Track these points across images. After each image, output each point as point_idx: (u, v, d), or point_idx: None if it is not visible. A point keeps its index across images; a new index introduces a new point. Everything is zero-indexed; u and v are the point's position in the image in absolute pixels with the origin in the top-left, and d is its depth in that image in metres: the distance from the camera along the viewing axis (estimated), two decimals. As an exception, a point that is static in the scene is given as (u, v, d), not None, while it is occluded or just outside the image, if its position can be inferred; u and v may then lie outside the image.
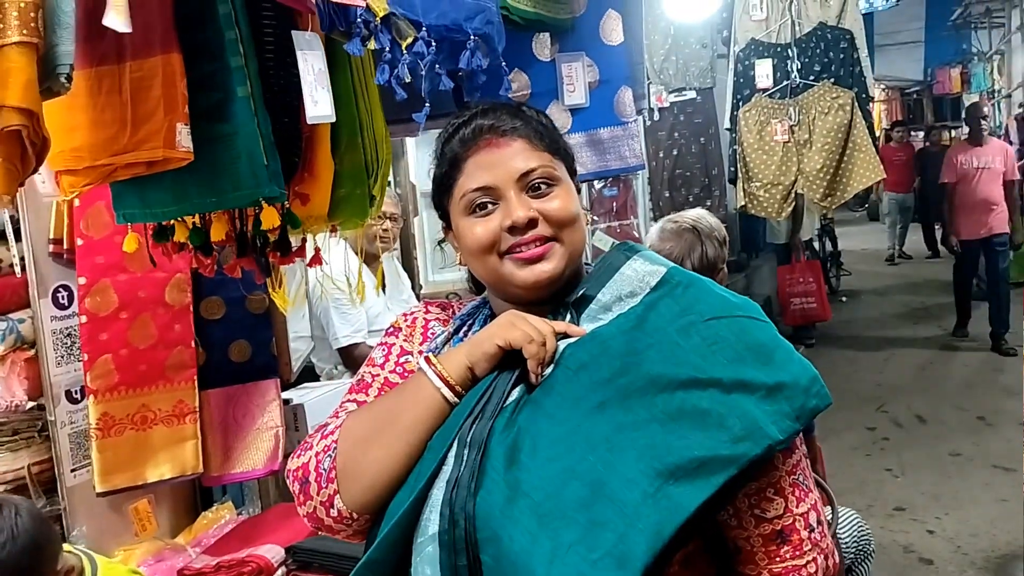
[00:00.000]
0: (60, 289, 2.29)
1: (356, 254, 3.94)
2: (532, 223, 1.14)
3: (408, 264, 4.61)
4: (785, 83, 4.98)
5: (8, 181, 1.34)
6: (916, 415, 5.68)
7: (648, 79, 6.11)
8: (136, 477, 2.34)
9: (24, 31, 1.20)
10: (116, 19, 1.26)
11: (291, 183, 1.86)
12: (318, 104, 1.49)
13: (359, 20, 1.43)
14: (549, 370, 1.06)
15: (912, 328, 8.32)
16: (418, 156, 4.78)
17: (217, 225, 1.75)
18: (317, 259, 2.01)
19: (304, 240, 2.01)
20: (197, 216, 1.81)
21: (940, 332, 7.98)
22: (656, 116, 5.93)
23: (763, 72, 4.92)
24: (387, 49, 1.53)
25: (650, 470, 0.95)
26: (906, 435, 5.32)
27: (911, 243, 12.51)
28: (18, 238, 2.24)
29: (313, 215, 1.94)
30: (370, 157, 1.98)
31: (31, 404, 2.26)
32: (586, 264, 1.26)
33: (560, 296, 1.18)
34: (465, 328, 1.27)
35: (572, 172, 1.25)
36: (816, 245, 9.03)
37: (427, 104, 1.66)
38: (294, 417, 2.80)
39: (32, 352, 2.27)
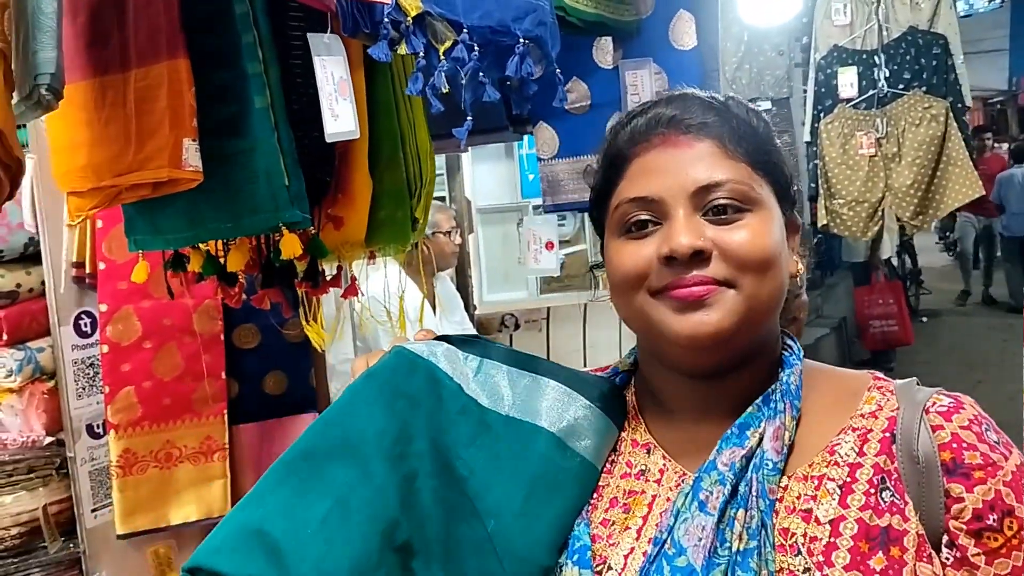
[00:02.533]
0: (82, 316, 2.14)
1: (417, 272, 3.83)
2: (699, 256, 0.82)
3: (463, 283, 4.43)
4: (871, 92, 4.63)
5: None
6: (1009, 449, 5.28)
7: (720, 90, 5.86)
8: (159, 519, 2.17)
9: (-10, 35, 1.01)
10: None
11: (322, 205, 1.67)
12: (339, 119, 1.28)
13: (386, 20, 1.22)
14: None
15: (1000, 352, 7.82)
16: (474, 171, 4.59)
17: (236, 253, 1.56)
18: (352, 290, 1.81)
19: (339, 268, 1.81)
20: (217, 242, 1.63)
21: (1033, 358, 7.48)
22: (729, 128, 5.58)
23: (847, 81, 4.58)
24: (421, 54, 1.31)
25: None
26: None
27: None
28: (39, 261, 2.09)
29: (349, 240, 1.74)
30: (413, 175, 1.77)
31: (49, 439, 2.11)
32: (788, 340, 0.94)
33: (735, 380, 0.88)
34: None
35: (785, 195, 0.90)
36: (895, 262, 8.58)
37: (469, 118, 1.44)
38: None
39: (51, 383, 2.12)
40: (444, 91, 1.35)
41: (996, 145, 12.94)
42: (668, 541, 0.83)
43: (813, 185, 4.88)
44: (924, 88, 4.55)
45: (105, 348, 2.09)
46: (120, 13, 1.41)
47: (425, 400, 0.87)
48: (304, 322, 1.95)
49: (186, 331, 2.19)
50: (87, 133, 1.45)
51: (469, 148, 2.89)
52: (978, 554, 0.78)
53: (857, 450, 0.84)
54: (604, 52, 2.01)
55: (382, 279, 3.50)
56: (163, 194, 1.42)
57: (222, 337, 2.25)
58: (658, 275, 0.84)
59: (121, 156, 1.42)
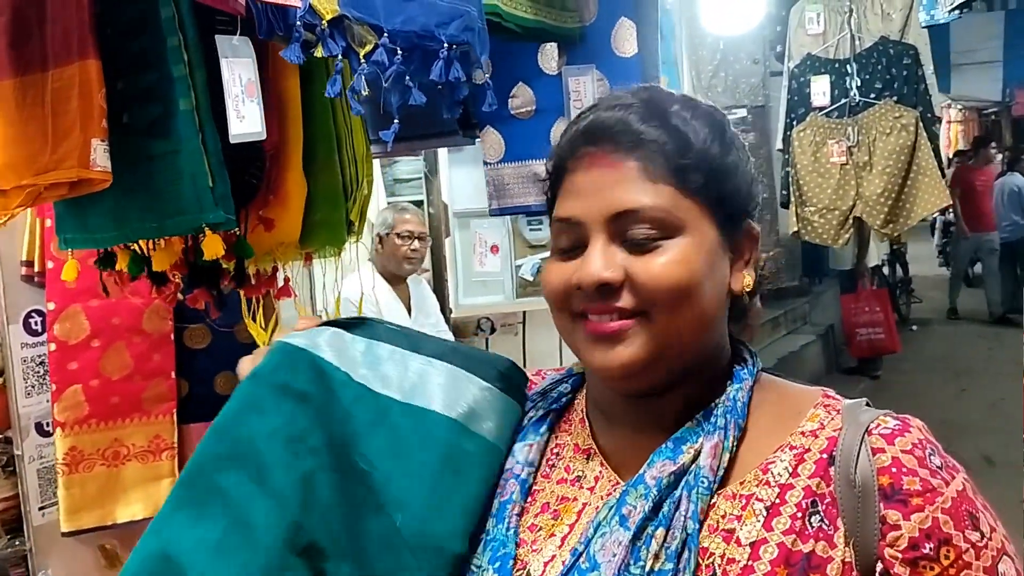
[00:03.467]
0: (32, 314, 2.16)
1: (380, 275, 3.84)
2: (606, 289, 0.81)
3: (439, 287, 4.43)
4: (843, 101, 4.65)
5: None
6: (984, 456, 5.28)
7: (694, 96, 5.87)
8: (105, 516, 2.18)
9: None
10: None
11: (252, 207, 1.68)
12: (245, 120, 1.29)
13: (298, 23, 1.23)
14: None
15: (986, 361, 7.83)
16: (451, 175, 4.60)
17: (161, 253, 1.57)
18: (286, 291, 1.82)
19: (275, 269, 1.82)
20: (147, 242, 1.64)
21: (1017, 368, 7.49)
22: (703, 135, 5.58)
23: (820, 89, 4.60)
24: (340, 57, 1.33)
25: None
26: (973, 478, 4.92)
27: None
28: (-12, 259, 2.11)
29: (282, 241, 1.75)
30: (349, 177, 1.79)
31: (-3, 437, 2.12)
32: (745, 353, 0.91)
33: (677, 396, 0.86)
34: (526, 419, 0.95)
35: (730, 212, 0.85)
36: (885, 271, 8.59)
37: (396, 121, 1.45)
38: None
39: (0, 381, 2.13)
40: (364, 94, 1.36)
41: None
42: (584, 554, 0.81)
43: (785, 192, 4.90)
44: (895, 98, 4.57)
45: (52, 346, 2.10)
46: (40, 12, 1.42)
47: (314, 394, 0.86)
48: (247, 320, 1.97)
49: (135, 330, 2.20)
50: (10, 132, 1.45)
51: (419, 153, 2.90)
52: None
53: (791, 470, 0.81)
54: (549, 58, 2.02)
55: (356, 281, 3.53)
56: (79, 194, 1.43)
57: (172, 337, 2.26)
58: (576, 300, 0.83)
59: (39, 155, 1.43)
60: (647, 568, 0.77)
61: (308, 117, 1.71)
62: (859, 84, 4.62)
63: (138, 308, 2.20)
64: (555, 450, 0.93)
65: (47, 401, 2.17)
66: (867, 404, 0.86)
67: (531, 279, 4.72)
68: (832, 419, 0.84)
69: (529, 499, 0.90)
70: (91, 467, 2.16)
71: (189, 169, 1.44)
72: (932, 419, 0.88)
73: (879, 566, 0.76)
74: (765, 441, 0.84)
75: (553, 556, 0.84)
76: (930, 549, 0.75)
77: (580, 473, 0.90)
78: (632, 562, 0.78)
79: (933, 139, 4.56)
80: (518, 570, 0.84)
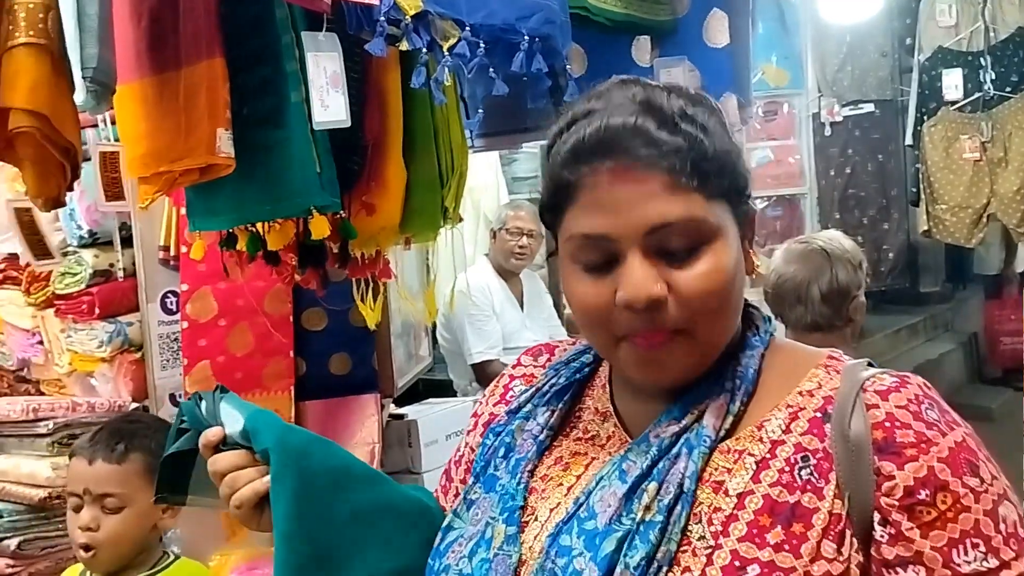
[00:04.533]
0: (168, 295, 2.37)
1: (495, 269, 3.97)
2: (655, 305, 0.82)
3: (556, 282, 4.52)
4: (977, 95, 4.46)
5: (40, 184, 1.36)
6: None
7: (820, 91, 5.73)
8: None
9: (31, 32, 1.21)
10: None
11: (355, 192, 1.82)
12: (329, 108, 1.42)
13: (382, 19, 1.35)
14: None
15: None
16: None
17: (275, 234, 1.72)
18: (386, 272, 1.95)
19: (378, 252, 1.95)
20: (264, 225, 1.80)
21: None
22: (828, 131, 5.46)
23: (952, 83, 4.42)
24: (424, 50, 1.44)
25: None
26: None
27: None
28: (130, 244, 2.34)
29: (383, 226, 1.88)
30: (445, 166, 1.90)
31: (135, 405, 2.34)
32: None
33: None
34: (548, 387, 0.99)
35: (739, 197, 0.87)
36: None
37: (480, 111, 1.55)
38: (407, 432, 2.77)
39: (138, 355, 2.35)
40: (446, 84, 1.46)
41: None
42: (584, 504, 0.86)
43: (915, 189, 4.73)
44: (1033, 91, 4.34)
45: (185, 324, 2.30)
46: (174, 16, 1.60)
47: None
48: (359, 303, 2.11)
49: (257, 311, 2.38)
50: (148, 124, 1.63)
51: (519, 145, 2.98)
52: (912, 528, 0.77)
53: (784, 427, 0.84)
54: (642, 51, 2.07)
55: (472, 273, 3.67)
56: (208, 179, 1.59)
57: (291, 319, 2.44)
58: (618, 320, 0.84)
59: (174, 145, 1.61)
60: (637, 519, 0.81)
61: (407, 110, 1.83)
62: (993, 77, 4.41)
63: (260, 290, 2.38)
64: (577, 415, 0.99)
65: (179, 374, 2.38)
66: (869, 364, 0.87)
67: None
68: (831, 379, 0.86)
69: (546, 455, 0.95)
70: (217, 437, 2.35)
71: (299, 156, 1.58)
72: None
73: (877, 516, 0.78)
74: (766, 402, 0.87)
75: (558, 504, 0.89)
76: (926, 495, 0.77)
77: (595, 433, 0.95)
78: (624, 513, 0.82)
79: (1074, 135, 4.31)
80: (528, 515, 0.90)
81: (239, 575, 2.29)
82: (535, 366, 1.06)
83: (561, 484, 0.92)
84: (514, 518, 0.90)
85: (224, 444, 0.97)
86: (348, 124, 1.48)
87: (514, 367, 1.09)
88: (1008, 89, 4.41)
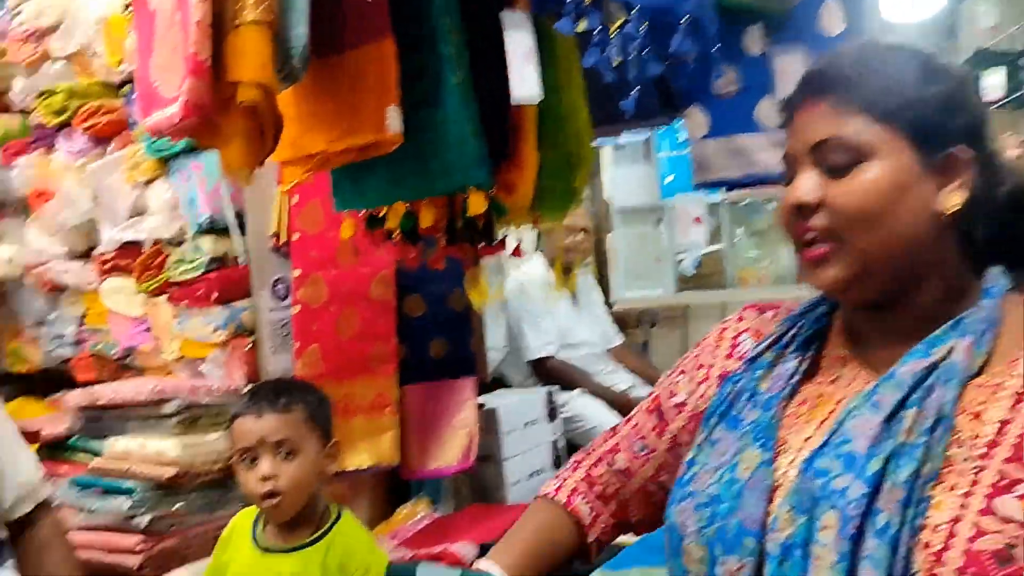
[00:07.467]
0: (278, 282, 2.43)
1: (551, 265, 4.03)
2: (804, 210, 0.95)
3: (602, 281, 4.60)
4: (1018, 94, 4.57)
5: (245, 156, 1.43)
6: None
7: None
8: (338, 464, 2.42)
9: (259, 10, 1.27)
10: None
11: (496, 172, 1.88)
12: (526, 82, 1.49)
13: (570, 1, 1.42)
14: None
15: None
16: (614, 173, 4.77)
17: (426, 212, 1.78)
18: (518, 251, 2.02)
19: (505, 235, 2.02)
20: (409, 204, 1.86)
21: None
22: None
23: (993, 83, 4.52)
24: (596, 31, 1.51)
25: None
26: None
27: None
28: (244, 232, 2.40)
29: (518, 205, 1.94)
30: (573, 149, 1.97)
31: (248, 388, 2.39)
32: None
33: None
34: (789, 338, 1.07)
35: (928, 135, 0.93)
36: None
37: (638, 88, 1.62)
38: (489, 420, 2.83)
39: (251, 340, 2.41)
40: (615, 64, 1.53)
41: None
42: (838, 431, 0.92)
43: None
44: (1076, 90, 4.44)
45: (297, 308, 2.36)
46: (336, 5, 1.66)
47: None
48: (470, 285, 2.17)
49: (364, 297, 2.44)
50: (302, 107, 1.69)
51: (619, 134, 3.04)
52: None
53: None
54: (754, 39, 2.14)
55: (529, 270, 3.73)
56: (367, 157, 1.65)
57: (394, 304, 2.50)
58: (791, 223, 0.98)
59: (334, 126, 1.67)
60: (899, 441, 0.86)
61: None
62: (1035, 76, 4.51)
63: (366, 277, 2.45)
64: (819, 361, 1.06)
65: (287, 360, 2.43)
66: None
67: (692, 272, 4.84)
68: None
69: (792, 398, 1.03)
70: (328, 418, 2.41)
71: (456, 135, 1.65)
72: None
73: None
74: (1012, 346, 0.91)
75: (809, 437, 0.97)
76: None
77: (838, 375, 1.02)
78: (885, 437, 0.87)
79: (1117, 133, 4.40)
80: (779, 446, 0.98)
81: (397, 538, 2.35)
82: (762, 320, 1.15)
83: (810, 420, 0.99)
84: (769, 444, 0.98)
85: None
86: (541, 98, 1.55)
87: (738, 321, 1.18)
88: (1050, 88, 4.51)
